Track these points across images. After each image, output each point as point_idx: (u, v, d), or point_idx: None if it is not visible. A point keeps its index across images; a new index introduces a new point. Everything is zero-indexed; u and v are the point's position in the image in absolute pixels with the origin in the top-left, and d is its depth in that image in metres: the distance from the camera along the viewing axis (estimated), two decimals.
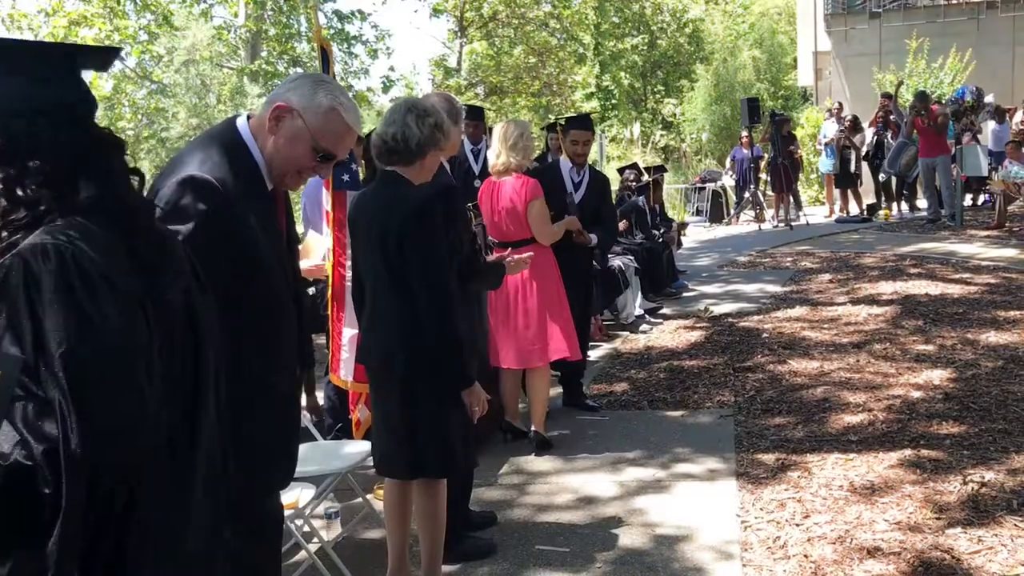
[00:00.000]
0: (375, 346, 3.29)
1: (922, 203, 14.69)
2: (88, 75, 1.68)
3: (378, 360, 3.28)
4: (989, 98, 14.85)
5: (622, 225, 9.37)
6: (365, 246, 3.27)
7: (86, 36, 19.01)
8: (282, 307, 2.24)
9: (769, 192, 15.83)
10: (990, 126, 15.27)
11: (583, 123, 5.83)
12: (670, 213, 13.54)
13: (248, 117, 2.29)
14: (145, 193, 1.85)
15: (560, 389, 5.85)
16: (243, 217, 2.11)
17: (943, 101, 14.57)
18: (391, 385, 3.23)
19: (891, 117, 14.64)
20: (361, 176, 4.80)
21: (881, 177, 14.81)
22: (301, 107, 2.20)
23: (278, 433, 2.24)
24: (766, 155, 16.11)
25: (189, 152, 2.16)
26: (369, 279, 3.29)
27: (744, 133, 16.96)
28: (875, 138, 14.81)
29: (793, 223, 14.91)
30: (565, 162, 5.71)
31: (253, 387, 2.10)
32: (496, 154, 4.95)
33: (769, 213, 15.68)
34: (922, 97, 13.07)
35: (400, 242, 3.10)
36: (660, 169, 11.55)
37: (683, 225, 12.59)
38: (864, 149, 15.08)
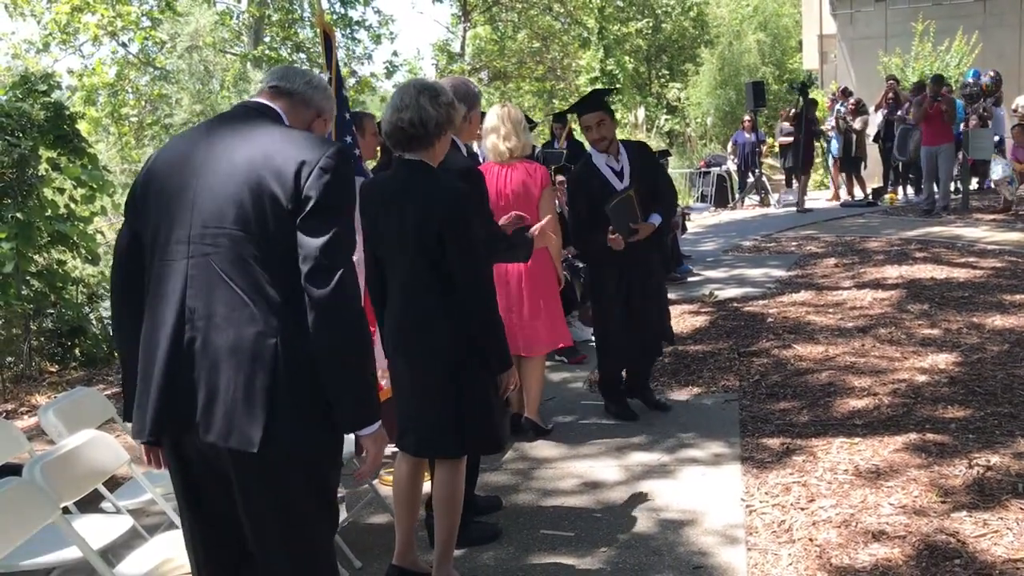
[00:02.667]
0: (414, 335, 3.24)
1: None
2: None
3: (419, 347, 3.24)
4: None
5: None
6: (394, 237, 3.20)
7: (88, 22, 18.97)
8: None
9: (778, 173, 15.74)
10: (994, 110, 15.18)
11: (587, 104, 5.03)
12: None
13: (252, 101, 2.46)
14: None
15: (559, 376, 5.85)
16: None
17: (951, 84, 14.45)
18: (433, 369, 3.22)
19: (891, 95, 14.52)
20: (368, 162, 4.79)
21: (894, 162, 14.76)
22: (327, 114, 2.51)
23: None
24: (769, 139, 16.02)
25: (275, 130, 2.28)
26: (399, 271, 3.24)
27: (747, 117, 16.91)
28: (884, 120, 14.72)
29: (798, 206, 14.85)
30: (598, 154, 5.04)
31: None
32: (504, 136, 4.79)
33: (775, 197, 15.62)
34: (938, 81, 12.89)
35: (440, 236, 3.09)
36: (664, 154, 11.50)
37: (687, 209, 12.55)
38: (874, 131, 14.99)
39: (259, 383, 2.09)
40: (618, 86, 25.97)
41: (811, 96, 14.94)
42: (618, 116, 26.34)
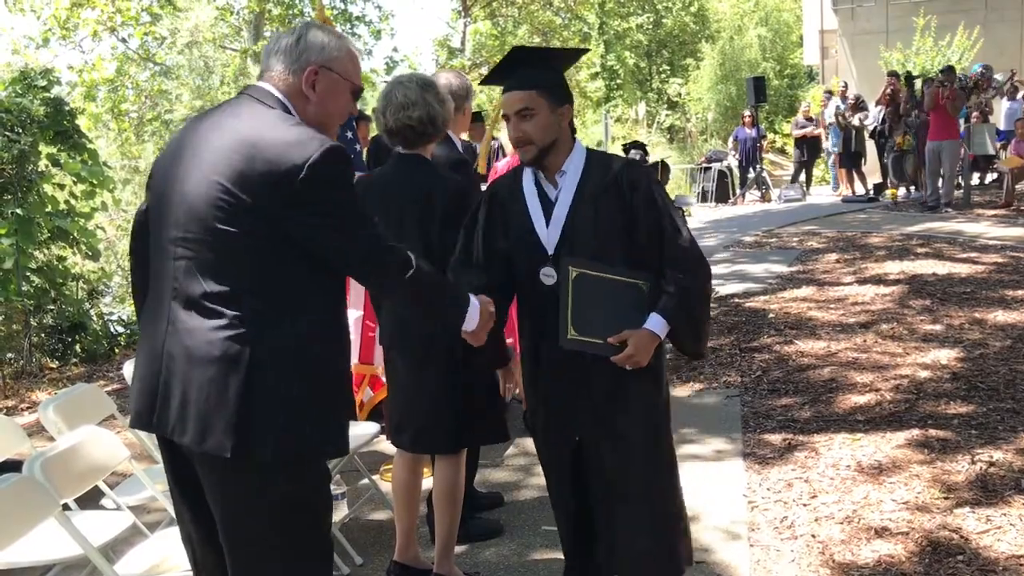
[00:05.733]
0: (414, 327, 3.21)
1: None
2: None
3: (419, 341, 3.21)
4: (998, 76, 14.69)
5: None
6: (397, 231, 3.14)
7: (88, 18, 18.95)
8: None
9: (779, 169, 15.72)
10: (1003, 104, 15.13)
11: (500, 75, 2.69)
12: (675, 193, 13.46)
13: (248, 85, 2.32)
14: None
15: None
16: None
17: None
18: (431, 362, 3.20)
19: (889, 90, 14.46)
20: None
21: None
22: (327, 61, 2.26)
23: None
24: (779, 134, 15.96)
25: (269, 118, 2.15)
26: None
27: (747, 112, 16.90)
28: (882, 116, 14.69)
29: (798, 201, 14.83)
30: (526, 169, 2.75)
31: None
32: None
33: (775, 192, 15.55)
34: (949, 71, 12.82)
35: (446, 226, 3.10)
36: (635, 145, 11.23)
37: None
38: (871, 126, 14.97)
39: (232, 389, 2.05)
40: (618, 81, 25.54)
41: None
42: (618, 112, 26.31)
